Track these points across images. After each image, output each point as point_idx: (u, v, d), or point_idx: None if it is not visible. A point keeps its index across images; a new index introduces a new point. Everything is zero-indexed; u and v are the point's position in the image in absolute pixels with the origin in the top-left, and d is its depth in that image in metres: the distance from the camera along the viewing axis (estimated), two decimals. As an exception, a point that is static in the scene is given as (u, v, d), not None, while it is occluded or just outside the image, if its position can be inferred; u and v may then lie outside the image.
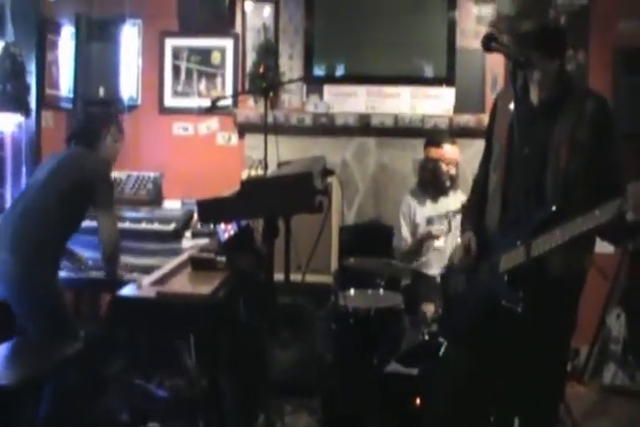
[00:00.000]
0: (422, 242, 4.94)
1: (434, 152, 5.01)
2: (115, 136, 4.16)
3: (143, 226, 4.80)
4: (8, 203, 4.54)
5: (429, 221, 4.95)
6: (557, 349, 2.95)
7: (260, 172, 4.74)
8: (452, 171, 4.97)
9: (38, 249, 3.80)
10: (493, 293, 2.93)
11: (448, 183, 4.99)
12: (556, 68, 2.90)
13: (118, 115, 4.63)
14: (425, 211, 5.01)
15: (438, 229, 4.84)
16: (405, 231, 5.04)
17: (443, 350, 3.82)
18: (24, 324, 3.88)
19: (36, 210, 3.84)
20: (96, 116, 4.34)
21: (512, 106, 2.87)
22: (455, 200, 4.92)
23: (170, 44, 5.86)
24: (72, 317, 4.12)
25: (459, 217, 4.58)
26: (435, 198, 5.03)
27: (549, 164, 2.84)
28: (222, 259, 3.63)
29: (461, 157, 5.17)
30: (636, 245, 5.10)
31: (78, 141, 4.10)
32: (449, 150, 4.99)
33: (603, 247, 3.09)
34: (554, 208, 2.76)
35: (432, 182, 5.02)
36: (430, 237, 4.88)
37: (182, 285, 3.47)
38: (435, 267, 4.78)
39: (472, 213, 3.24)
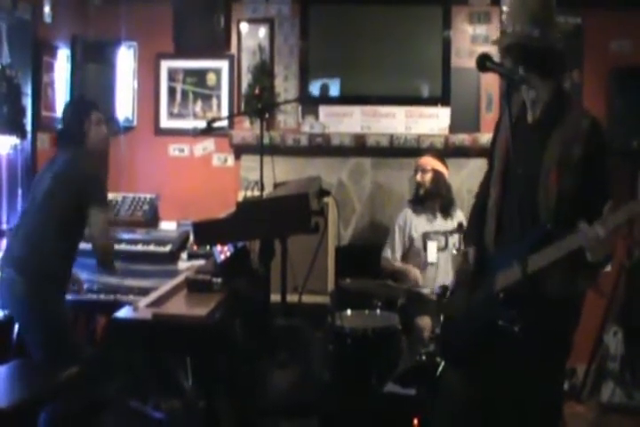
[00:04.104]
0: (405, 271, 4.97)
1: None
2: (97, 120, 4.08)
3: (139, 248, 4.80)
4: (4, 225, 4.54)
5: (425, 237, 4.96)
6: (553, 370, 2.94)
7: (257, 193, 4.73)
8: (427, 178, 5.00)
9: (43, 273, 3.81)
10: (490, 312, 2.92)
11: (421, 191, 5.04)
12: (552, 87, 2.91)
13: (94, 102, 4.50)
14: (422, 226, 5.03)
15: (417, 275, 4.89)
16: (398, 243, 5.05)
17: (440, 369, 3.81)
18: (29, 345, 3.87)
19: (36, 235, 3.84)
20: (72, 110, 4.19)
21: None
22: (454, 218, 4.95)
23: (165, 65, 5.88)
24: (78, 340, 4.09)
25: (456, 235, 4.59)
26: (433, 214, 5.05)
27: (542, 183, 2.84)
28: (218, 280, 3.63)
29: (457, 177, 5.17)
30: (633, 262, 5.12)
31: (67, 141, 4.06)
32: (422, 159, 5.08)
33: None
34: (549, 226, 2.76)
35: (417, 194, 5.10)
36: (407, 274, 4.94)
37: (178, 306, 3.46)
38: (429, 285, 4.78)
39: (473, 229, 3.23)
